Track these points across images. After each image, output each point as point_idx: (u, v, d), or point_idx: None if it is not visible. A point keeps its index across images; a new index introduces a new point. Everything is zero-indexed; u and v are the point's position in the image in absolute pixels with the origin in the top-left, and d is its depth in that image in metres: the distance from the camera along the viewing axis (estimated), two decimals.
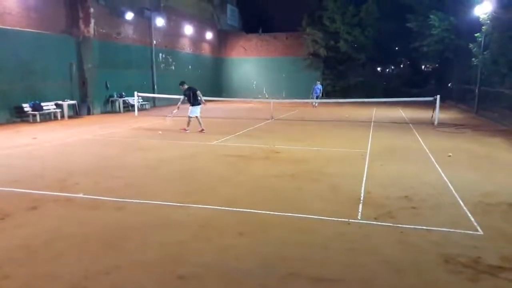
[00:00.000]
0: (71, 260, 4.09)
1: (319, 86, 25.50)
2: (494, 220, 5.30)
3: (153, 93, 23.13)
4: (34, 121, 15.44)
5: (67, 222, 5.14)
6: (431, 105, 17.25)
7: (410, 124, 15.85)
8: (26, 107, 15.54)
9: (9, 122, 15.14)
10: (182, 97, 13.38)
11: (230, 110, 22.97)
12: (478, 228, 4.95)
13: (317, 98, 25.02)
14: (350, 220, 5.19)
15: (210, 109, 23.18)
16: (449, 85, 31.11)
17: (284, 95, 31.73)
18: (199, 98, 13.16)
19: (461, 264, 4.03)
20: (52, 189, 6.56)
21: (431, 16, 24.03)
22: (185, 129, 13.15)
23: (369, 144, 11.08)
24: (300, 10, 30.93)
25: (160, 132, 13.14)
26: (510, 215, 5.50)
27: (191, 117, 13.18)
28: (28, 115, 15.58)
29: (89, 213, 5.52)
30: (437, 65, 35.50)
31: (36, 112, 15.58)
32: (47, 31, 16.72)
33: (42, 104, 16.05)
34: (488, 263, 4.06)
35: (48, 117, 16.39)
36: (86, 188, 6.60)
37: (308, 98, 25.48)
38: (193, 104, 13.10)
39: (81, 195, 6.24)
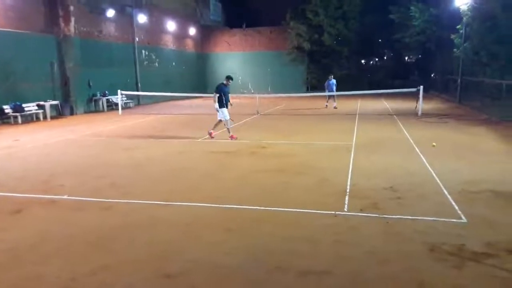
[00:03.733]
0: (57, 263, 4.04)
1: (333, 81, 20.35)
2: (478, 207, 5.40)
3: (137, 91, 22.89)
4: (16, 123, 15.15)
5: (52, 225, 5.07)
6: (414, 96, 17.46)
7: (394, 115, 16.01)
8: (7, 108, 15.23)
9: None
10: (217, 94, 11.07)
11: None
12: (462, 216, 5.04)
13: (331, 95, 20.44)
14: (336, 213, 5.23)
15: (195, 105, 23.15)
16: (432, 75, 31.53)
17: (269, 90, 31.72)
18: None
19: (446, 252, 4.10)
20: (36, 191, 6.46)
21: (412, 8, 24.29)
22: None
23: (355, 137, 11.16)
24: (283, 4, 30.86)
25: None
26: (493, 203, 5.61)
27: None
28: (9, 117, 15.27)
29: (74, 214, 5.45)
30: (419, 56, 35.95)
31: (17, 114, 15.28)
32: (26, 30, 16.37)
33: (24, 105, 15.74)
34: (473, 250, 4.14)
35: (30, 119, 16.10)
36: (71, 190, 6.51)
37: (294, 92, 25.34)
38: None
39: (66, 196, 6.16)
